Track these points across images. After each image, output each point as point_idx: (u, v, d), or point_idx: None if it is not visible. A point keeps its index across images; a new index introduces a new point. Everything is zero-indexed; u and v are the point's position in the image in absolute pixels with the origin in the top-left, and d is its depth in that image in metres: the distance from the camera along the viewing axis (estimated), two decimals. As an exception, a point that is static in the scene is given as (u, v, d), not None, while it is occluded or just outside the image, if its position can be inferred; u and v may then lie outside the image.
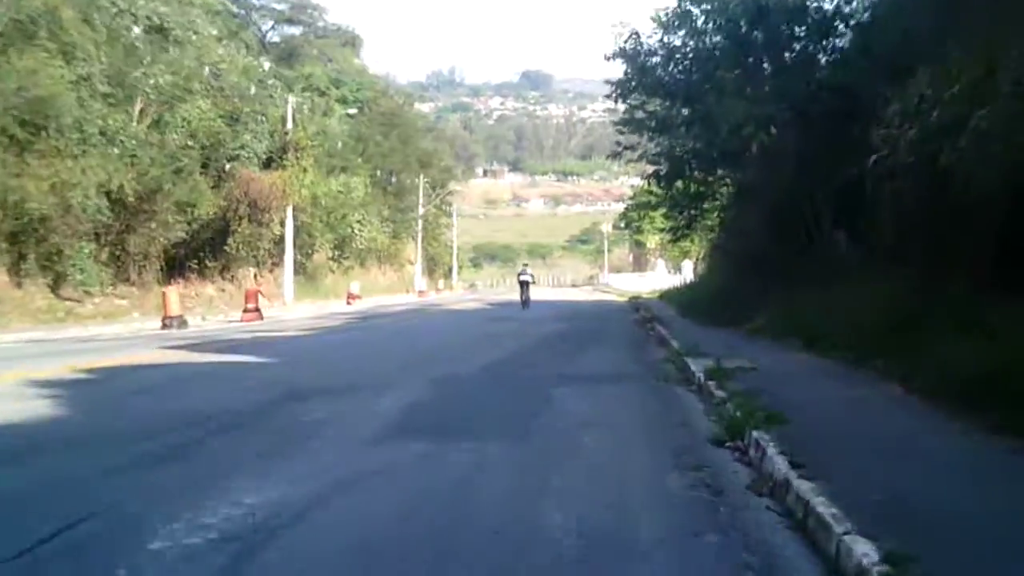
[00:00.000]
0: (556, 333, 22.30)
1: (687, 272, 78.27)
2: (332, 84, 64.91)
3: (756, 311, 19.87)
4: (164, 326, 26.28)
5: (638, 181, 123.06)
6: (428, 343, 20.79)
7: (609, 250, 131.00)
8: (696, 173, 26.15)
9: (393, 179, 66.51)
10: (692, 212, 28.21)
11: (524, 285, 41.43)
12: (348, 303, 44.01)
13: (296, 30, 79.40)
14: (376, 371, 14.10)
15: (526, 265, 45.93)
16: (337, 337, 22.36)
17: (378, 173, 62.96)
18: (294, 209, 42.42)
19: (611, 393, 11.80)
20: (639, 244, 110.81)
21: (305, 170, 42.09)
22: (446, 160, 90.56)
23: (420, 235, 69.66)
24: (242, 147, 38.99)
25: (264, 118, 41.05)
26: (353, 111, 62.29)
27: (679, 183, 26.80)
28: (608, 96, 26.11)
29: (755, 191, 22.77)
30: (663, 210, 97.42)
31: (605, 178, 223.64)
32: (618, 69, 24.93)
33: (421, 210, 69.26)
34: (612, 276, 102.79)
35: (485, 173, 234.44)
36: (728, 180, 27.11)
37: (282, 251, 45.37)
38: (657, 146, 26.60)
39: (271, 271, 44.39)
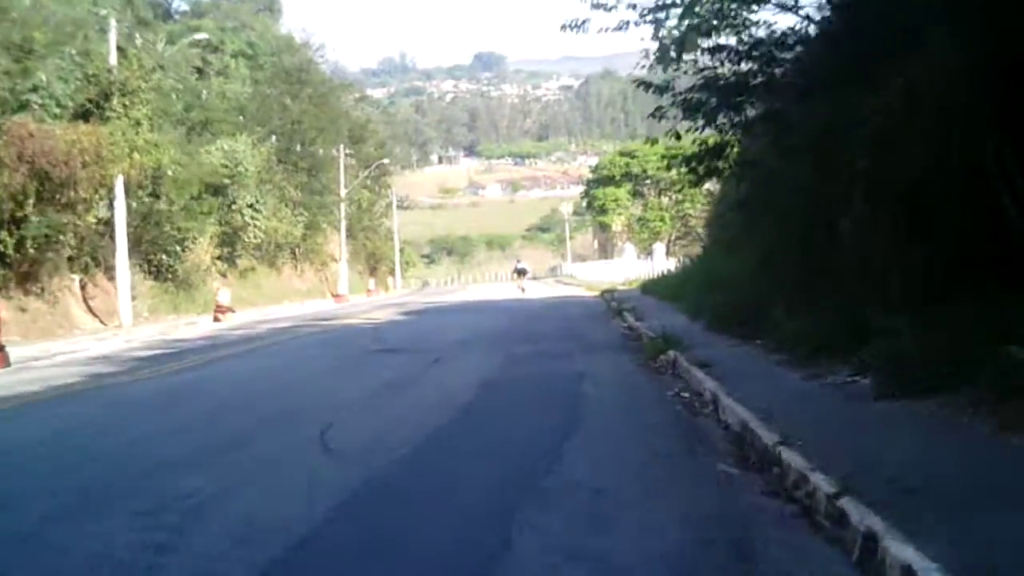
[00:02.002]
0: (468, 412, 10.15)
1: (659, 256, 66.24)
2: (225, 38, 51.98)
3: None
4: None
5: (594, 160, 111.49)
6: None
7: (571, 237, 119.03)
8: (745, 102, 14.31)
9: (299, 148, 53.31)
10: (712, 164, 16.17)
11: (521, 273, 53.55)
12: (216, 319, 31.42)
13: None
14: None
15: (519, 261, 59.95)
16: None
17: (273, 139, 49.78)
18: (132, 184, 29.79)
19: None
20: (603, 227, 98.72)
21: (139, 123, 29.33)
22: (381, 134, 77.51)
23: (344, 223, 56.65)
24: (34, 90, 26.32)
25: (74, 54, 28.34)
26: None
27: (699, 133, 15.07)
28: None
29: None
30: (628, 186, 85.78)
31: (563, 159, 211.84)
32: None
33: (344, 191, 56.21)
34: (576, 266, 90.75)
35: (440, 160, 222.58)
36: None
37: (135, 250, 32.85)
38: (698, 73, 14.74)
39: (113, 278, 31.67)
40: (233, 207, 41.89)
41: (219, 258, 42.23)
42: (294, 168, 51.71)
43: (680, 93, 15.18)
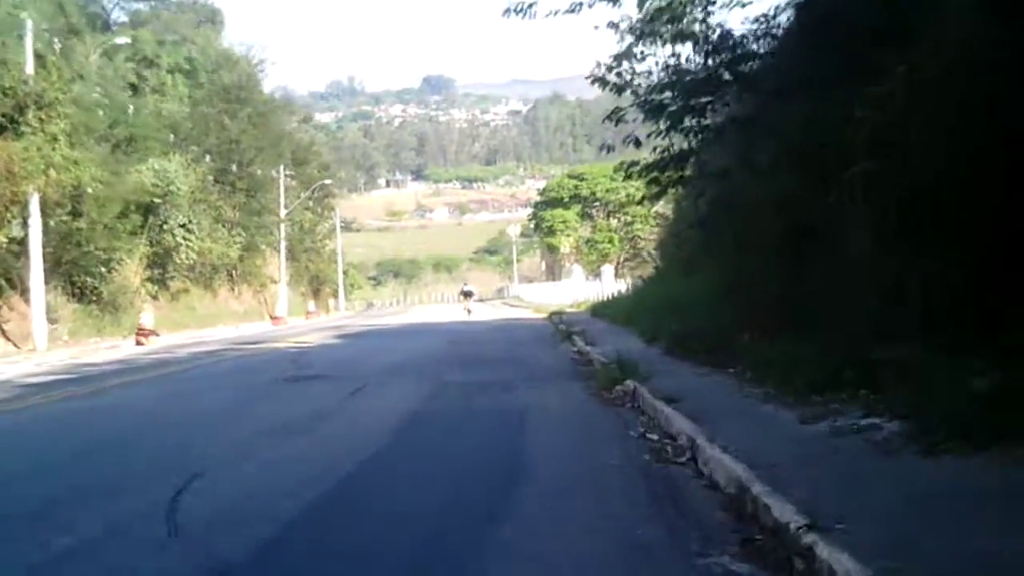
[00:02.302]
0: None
1: (608, 278, 64.82)
2: (160, 52, 49.61)
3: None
4: None
5: (543, 184, 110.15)
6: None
7: (518, 259, 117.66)
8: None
9: (236, 169, 50.93)
10: (674, 174, 14.38)
11: (467, 295, 51.15)
12: (139, 342, 29.20)
13: (143, 5, 63.59)
14: None
15: (465, 284, 59.13)
16: None
17: (208, 159, 47.44)
18: (49, 203, 27.64)
19: None
20: (551, 249, 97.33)
21: (55, 139, 27.09)
22: (324, 157, 75.12)
23: (283, 245, 54.30)
24: (-66, 100, 24.16)
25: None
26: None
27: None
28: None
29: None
30: (577, 208, 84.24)
31: (511, 182, 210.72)
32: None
33: (284, 212, 53.96)
34: (524, 287, 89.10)
35: (388, 183, 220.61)
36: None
37: (55, 271, 30.73)
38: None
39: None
40: (164, 227, 39.61)
41: (149, 279, 39.91)
42: (232, 188, 49.47)
43: (641, 95, 13.55)
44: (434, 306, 79.99)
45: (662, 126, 13.14)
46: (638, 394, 9.96)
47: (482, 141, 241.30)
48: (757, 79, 12.98)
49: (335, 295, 79.01)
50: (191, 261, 41.18)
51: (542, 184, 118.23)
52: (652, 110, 12.90)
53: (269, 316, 46.23)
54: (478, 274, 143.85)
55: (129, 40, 43.94)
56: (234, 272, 50.52)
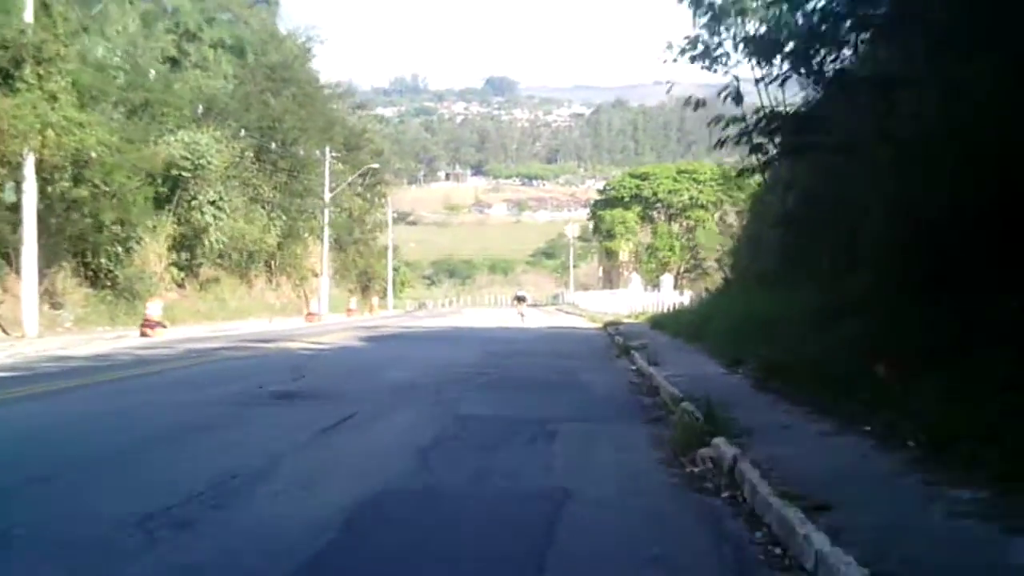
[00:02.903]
0: None
1: (667, 288, 60.73)
2: (204, 26, 46.47)
3: None
4: None
5: (603, 184, 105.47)
6: None
7: (576, 265, 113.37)
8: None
9: (279, 148, 47.33)
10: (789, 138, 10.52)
11: (520, 300, 52.90)
12: (143, 333, 25.90)
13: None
14: None
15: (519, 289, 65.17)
16: None
17: (242, 133, 43.88)
18: (47, 167, 24.49)
19: None
20: (610, 254, 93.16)
21: (55, 97, 23.83)
22: (377, 143, 71.50)
23: (327, 232, 50.77)
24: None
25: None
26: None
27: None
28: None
29: None
30: (637, 209, 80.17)
31: (572, 182, 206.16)
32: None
33: (329, 195, 50.45)
34: (580, 294, 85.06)
35: (447, 177, 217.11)
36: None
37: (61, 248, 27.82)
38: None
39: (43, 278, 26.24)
40: (192, 204, 36.38)
41: (175, 264, 36.70)
42: (272, 168, 46.19)
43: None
44: (486, 309, 76.24)
45: (776, 70, 9.32)
46: (742, 476, 6.14)
47: (543, 140, 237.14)
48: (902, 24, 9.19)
49: (384, 293, 76.71)
50: (221, 245, 37.88)
51: (602, 184, 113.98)
52: (763, 47, 9.08)
53: (307, 314, 42.74)
54: (534, 278, 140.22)
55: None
56: (272, 262, 47.29)
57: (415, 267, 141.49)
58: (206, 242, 36.90)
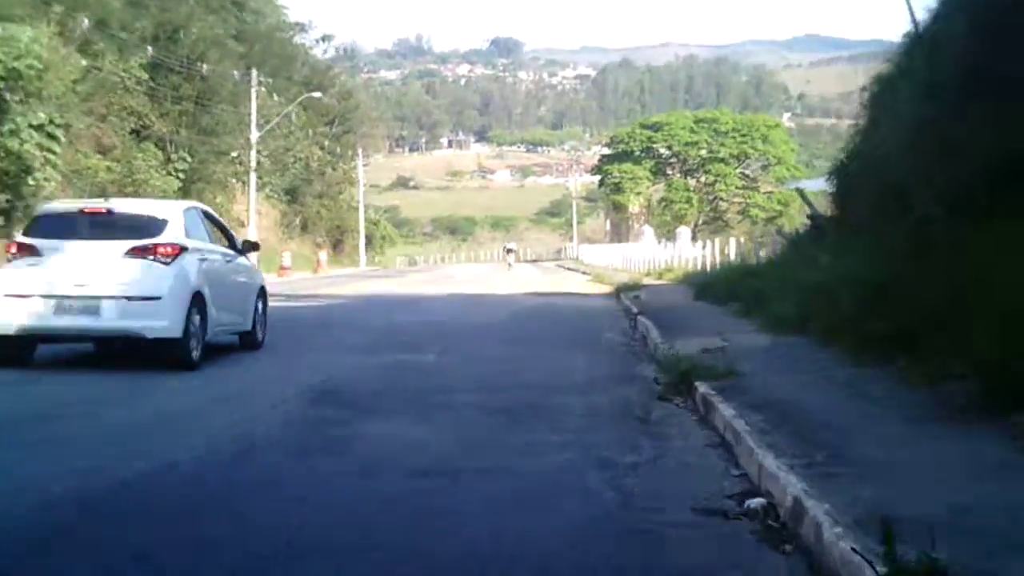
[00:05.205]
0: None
1: (684, 241, 47.38)
2: None
3: None
4: None
5: (608, 151, 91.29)
6: None
7: (581, 221, 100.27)
8: None
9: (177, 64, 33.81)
10: None
11: (509, 252, 53.35)
12: None
13: None
14: None
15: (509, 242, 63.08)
16: None
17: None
18: None
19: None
20: (618, 207, 79.91)
21: None
22: (343, 84, 58.60)
23: (253, 178, 37.57)
24: None
25: None
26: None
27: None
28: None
29: None
30: (649, 164, 66.70)
31: (577, 148, 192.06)
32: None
33: (255, 132, 37.16)
34: (585, 248, 72.15)
35: (450, 144, 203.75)
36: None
37: None
38: None
39: None
40: (10, 127, 23.61)
41: (-1, 215, 24.07)
42: (174, 93, 33.25)
43: None
44: (475, 266, 64.25)
45: None
46: None
47: (548, 104, 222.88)
48: None
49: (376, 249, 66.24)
50: (53, 185, 25.00)
51: (607, 151, 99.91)
52: None
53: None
54: (537, 234, 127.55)
55: None
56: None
57: (415, 224, 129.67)
58: (30, 181, 24.12)
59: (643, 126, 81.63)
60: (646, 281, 26.92)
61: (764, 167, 76.29)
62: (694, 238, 56.46)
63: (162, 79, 32.97)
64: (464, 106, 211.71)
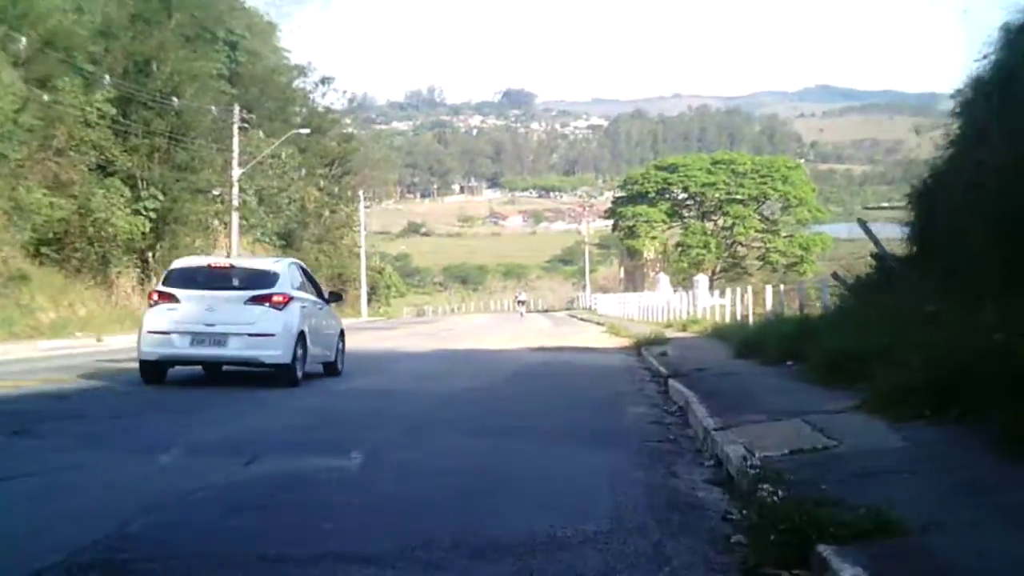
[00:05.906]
0: None
1: (702, 290, 43.62)
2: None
3: None
4: None
5: (622, 193, 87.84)
6: None
7: (594, 269, 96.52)
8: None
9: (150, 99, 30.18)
10: None
11: (521, 303, 59.95)
12: None
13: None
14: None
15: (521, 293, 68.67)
16: None
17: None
18: None
19: None
20: (632, 254, 76.16)
21: None
22: (345, 128, 55.44)
23: (235, 217, 33.95)
24: None
25: None
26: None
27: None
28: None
29: None
30: (665, 206, 62.61)
31: (590, 193, 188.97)
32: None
33: (236, 168, 33.47)
34: (599, 297, 68.35)
35: (461, 190, 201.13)
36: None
37: None
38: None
39: None
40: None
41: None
42: (145, 128, 29.86)
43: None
44: (483, 317, 60.42)
45: None
46: None
47: (560, 152, 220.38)
48: None
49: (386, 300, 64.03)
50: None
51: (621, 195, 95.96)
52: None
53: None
54: (549, 283, 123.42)
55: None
56: (152, 254, 30.85)
57: (424, 274, 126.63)
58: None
59: (658, 167, 77.97)
60: (669, 334, 23.14)
61: (784, 208, 72.48)
62: (711, 286, 53.03)
63: (134, 114, 29.65)
64: (476, 154, 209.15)
